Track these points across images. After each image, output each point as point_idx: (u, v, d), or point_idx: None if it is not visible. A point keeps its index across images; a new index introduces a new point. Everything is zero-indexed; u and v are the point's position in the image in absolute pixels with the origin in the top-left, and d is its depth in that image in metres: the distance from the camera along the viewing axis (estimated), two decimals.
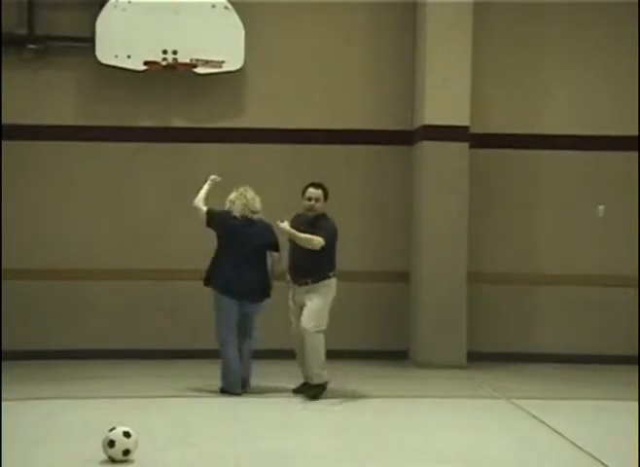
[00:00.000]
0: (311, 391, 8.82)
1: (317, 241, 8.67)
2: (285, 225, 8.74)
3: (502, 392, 9.42)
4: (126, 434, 6.43)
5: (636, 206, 11.33)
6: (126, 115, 11.27)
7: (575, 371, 10.83)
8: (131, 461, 6.42)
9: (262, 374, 9.34)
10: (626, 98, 11.35)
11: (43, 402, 8.64)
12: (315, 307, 8.74)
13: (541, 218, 11.52)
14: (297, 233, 8.73)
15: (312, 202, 8.86)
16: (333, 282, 8.88)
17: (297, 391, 8.97)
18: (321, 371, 8.82)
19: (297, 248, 8.79)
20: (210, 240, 11.17)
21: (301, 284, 8.82)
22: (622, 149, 11.37)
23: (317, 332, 8.74)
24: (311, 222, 8.85)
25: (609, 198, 11.46)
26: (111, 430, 6.47)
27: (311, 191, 8.89)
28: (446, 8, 10.85)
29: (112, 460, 6.40)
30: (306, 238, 8.71)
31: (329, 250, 8.80)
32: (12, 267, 11.01)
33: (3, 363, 10.24)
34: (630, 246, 11.35)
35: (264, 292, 9.05)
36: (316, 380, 8.84)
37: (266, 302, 9.12)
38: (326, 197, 8.91)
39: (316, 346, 8.74)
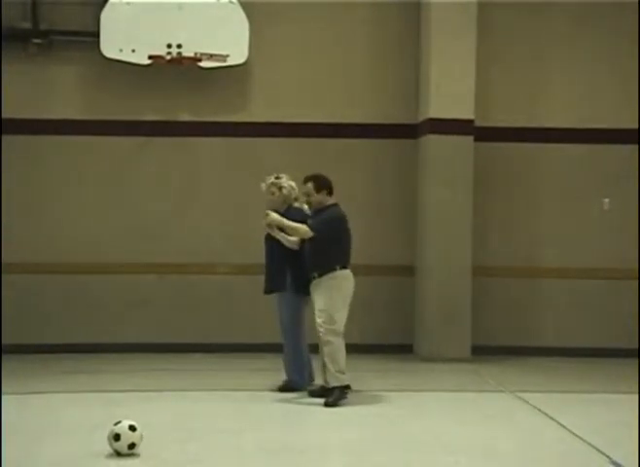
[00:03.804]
0: (329, 398, 8.22)
1: (304, 230, 8.35)
2: (275, 215, 8.49)
3: (506, 385, 9.42)
4: (132, 428, 6.45)
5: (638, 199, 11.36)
6: (131, 109, 11.27)
7: (579, 364, 10.84)
8: (137, 455, 6.43)
9: (275, 368, 9.33)
10: (629, 92, 11.33)
11: (46, 396, 8.66)
12: (321, 306, 8.32)
13: (545, 211, 11.52)
14: (285, 222, 8.45)
15: (306, 198, 8.61)
16: (340, 275, 8.39)
17: (313, 394, 8.56)
18: (336, 373, 8.24)
19: (306, 242, 8.50)
20: (215, 234, 11.19)
21: (311, 279, 8.49)
22: (625, 142, 11.36)
23: (329, 332, 8.26)
24: (313, 215, 8.60)
25: (612, 192, 11.46)
26: (116, 424, 6.48)
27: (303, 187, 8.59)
28: (451, 2, 10.84)
29: (117, 454, 6.41)
30: (293, 227, 8.43)
31: (328, 241, 8.35)
32: (14, 260, 11.03)
33: (6, 356, 10.27)
34: (633, 239, 11.34)
35: None
36: (332, 383, 8.30)
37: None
38: (318, 188, 8.49)
39: (329, 349, 8.24)
